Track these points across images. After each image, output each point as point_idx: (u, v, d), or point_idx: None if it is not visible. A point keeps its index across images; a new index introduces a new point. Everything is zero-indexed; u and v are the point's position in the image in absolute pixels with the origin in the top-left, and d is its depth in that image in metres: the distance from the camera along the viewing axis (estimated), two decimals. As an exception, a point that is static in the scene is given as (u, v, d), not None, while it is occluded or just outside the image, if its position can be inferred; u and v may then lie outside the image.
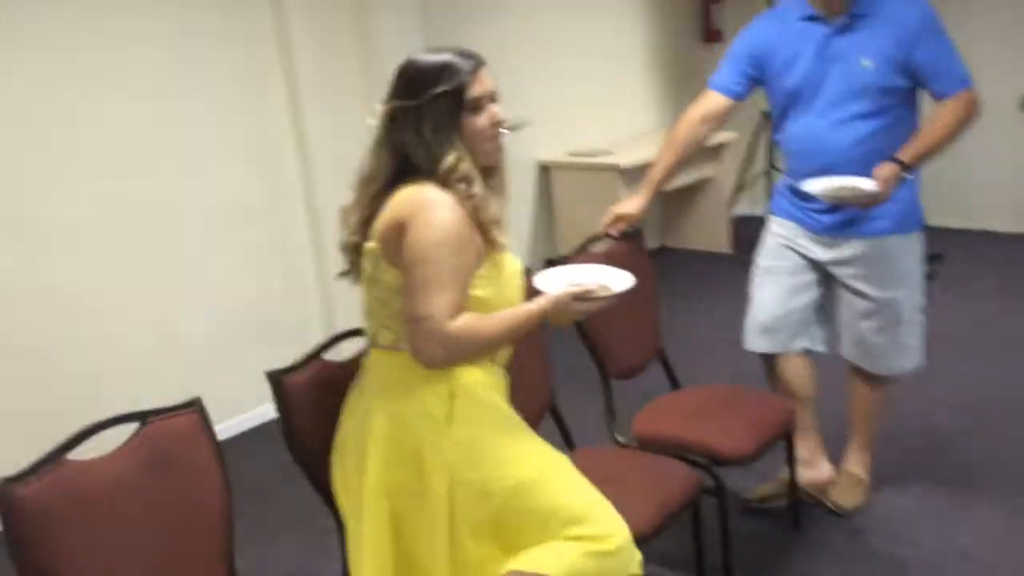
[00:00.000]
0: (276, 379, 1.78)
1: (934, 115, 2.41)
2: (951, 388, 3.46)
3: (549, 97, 4.85)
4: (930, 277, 4.70)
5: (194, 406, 1.64)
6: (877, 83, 2.39)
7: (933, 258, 5.00)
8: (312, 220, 3.76)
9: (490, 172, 1.74)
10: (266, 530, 2.87)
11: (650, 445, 2.39)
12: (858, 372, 2.69)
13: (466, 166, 1.66)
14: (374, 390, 1.74)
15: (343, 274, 1.81)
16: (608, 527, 1.72)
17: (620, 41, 5.42)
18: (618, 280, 1.81)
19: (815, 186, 2.39)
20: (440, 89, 1.64)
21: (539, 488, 1.70)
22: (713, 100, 2.59)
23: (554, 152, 4.96)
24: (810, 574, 2.43)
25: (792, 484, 2.63)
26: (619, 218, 2.53)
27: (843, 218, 2.50)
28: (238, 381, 3.32)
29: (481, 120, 1.68)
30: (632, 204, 2.55)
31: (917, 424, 3.21)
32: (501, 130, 1.72)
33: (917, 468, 2.92)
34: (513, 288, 1.77)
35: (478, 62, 1.69)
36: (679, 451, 2.31)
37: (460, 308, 1.63)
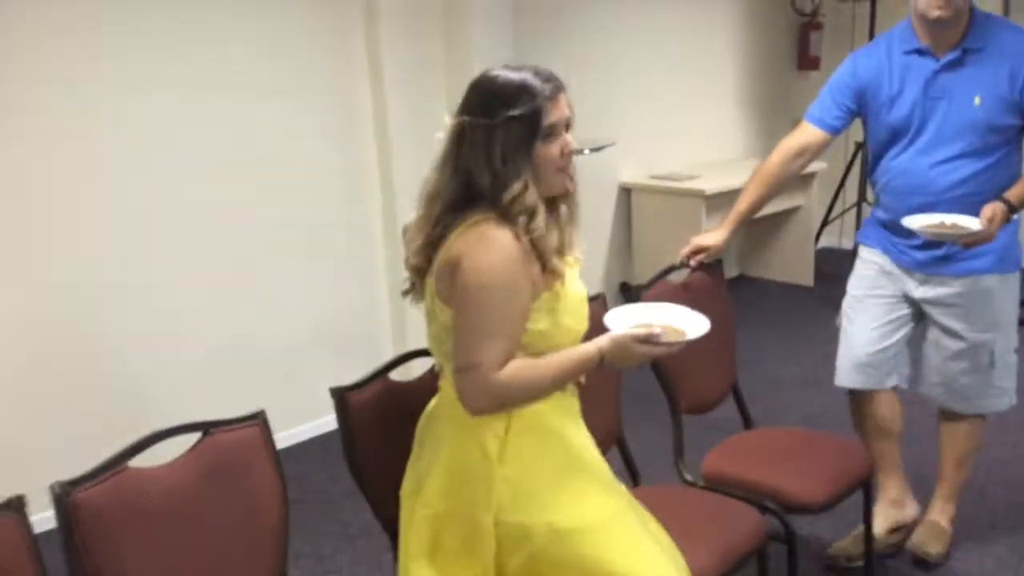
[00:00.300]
0: (340, 395, 1.76)
1: None
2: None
3: (635, 118, 4.80)
4: (1025, 322, 4.51)
5: (257, 418, 1.64)
6: (986, 121, 2.28)
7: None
8: (388, 236, 3.77)
9: (561, 199, 1.67)
10: (322, 542, 2.87)
11: (719, 485, 2.31)
12: (947, 413, 2.57)
13: (532, 198, 1.58)
14: (444, 419, 1.71)
15: (406, 292, 1.76)
16: None
17: (712, 64, 5.32)
18: (691, 325, 1.71)
19: (917, 222, 2.29)
20: (516, 111, 1.55)
21: (585, 538, 1.62)
22: (810, 133, 2.50)
23: (637, 174, 4.89)
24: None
25: (869, 539, 2.50)
26: (699, 249, 2.46)
27: (939, 255, 2.40)
28: (307, 389, 3.34)
29: (554, 148, 1.60)
30: (714, 236, 2.48)
31: (1003, 477, 3.03)
32: (572, 159, 1.64)
33: (1002, 525, 2.76)
34: (574, 316, 1.67)
35: (557, 86, 1.60)
36: (749, 494, 2.22)
37: (510, 356, 1.57)
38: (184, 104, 3.16)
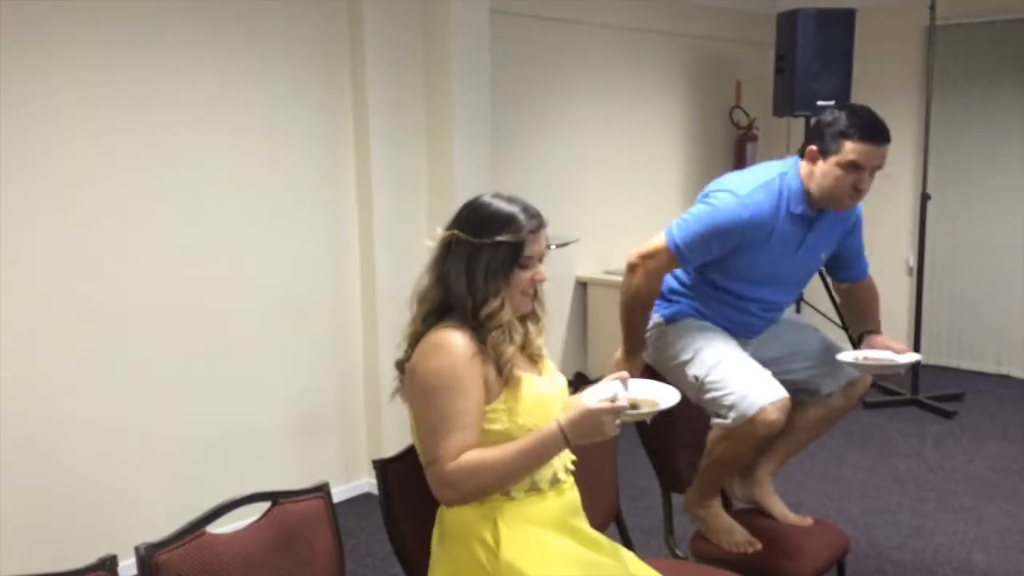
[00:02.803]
0: (382, 466, 1.87)
1: (866, 291, 2.83)
2: (981, 527, 3.54)
3: (591, 217, 5.10)
4: (949, 415, 4.88)
5: (321, 490, 1.74)
6: (819, 268, 2.69)
7: (955, 397, 5.18)
8: (367, 323, 3.90)
9: (529, 316, 1.87)
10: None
11: (707, 561, 2.47)
12: None
13: (507, 315, 1.77)
14: (441, 526, 1.82)
15: (396, 392, 1.87)
16: None
17: (660, 169, 5.69)
18: (662, 395, 1.84)
19: (848, 357, 2.54)
20: (502, 238, 1.75)
21: None
22: (672, 263, 2.50)
23: (592, 269, 5.16)
24: None
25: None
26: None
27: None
28: (276, 471, 3.39)
29: (526, 275, 1.79)
30: (634, 365, 2.59)
31: (951, 560, 3.27)
32: (540, 285, 1.83)
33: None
34: (533, 417, 1.74)
35: (540, 223, 1.80)
36: (737, 569, 2.38)
37: (467, 448, 1.68)
38: (160, 175, 3.21)
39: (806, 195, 2.45)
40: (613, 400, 1.66)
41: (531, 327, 1.87)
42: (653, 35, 5.40)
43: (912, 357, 2.52)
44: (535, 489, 1.79)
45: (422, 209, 3.91)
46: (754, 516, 2.65)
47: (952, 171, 5.64)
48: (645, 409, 1.80)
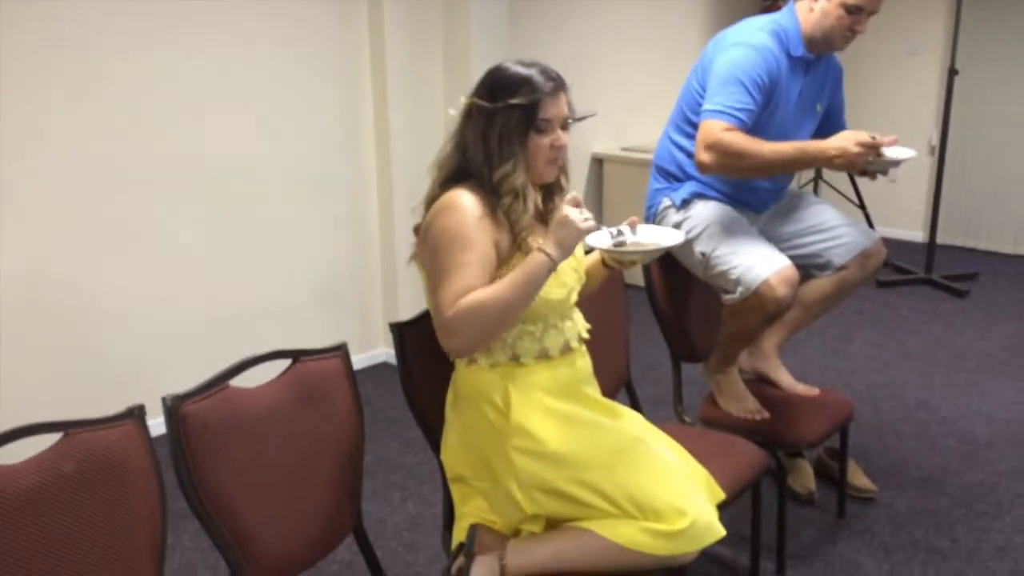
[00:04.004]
0: (399, 330, 1.92)
1: None
2: (985, 401, 3.61)
3: (608, 92, 5.01)
4: (961, 294, 4.90)
5: (340, 350, 1.79)
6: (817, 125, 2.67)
7: (968, 276, 5.18)
8: (383, 195, 3.91)
9: (556, 190, 1.85)
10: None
11: (714, 427, 2.54)
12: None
13: (519, 179, 1.74)
14: (454, 390, 1.88)
15: (412, 257, 1.86)
16: (678, 508, 1.72)
17: (679, 40, 5.55)
18: (665, 237, 1.82)
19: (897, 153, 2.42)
20: (516, 100, 1.72)
21: (607, 474, 1.74)
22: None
23: (608, 146, 5.11)
24: (856, 558, 2.58)
25: (843, 474, 2.78)
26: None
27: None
28: (296, 341, 3.45)
29: (545, 140, 1.75)
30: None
31: (953, 432, 3.35)
32: (566, 154, 1.80)
33: (955, 471, 3.07)
34: (547, 284, 1.71)
35: (559, 85, 1.76)
36: (742, 434, 2.45)
37: (466, 294, 1.67)
38: (179, 61, 3.21)
39: (803, 38, 2.49)
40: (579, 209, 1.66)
41: (556, 199, 1.86)
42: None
43: (906, 153, 2.45)
44: (545, 356, 1.82)
45: (437, 80, 3.85)
46: (764, 387, 2.71)
47: (982, 46, 5.47)
48: (645, 249, 1.78)
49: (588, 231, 1.68)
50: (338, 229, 3.85)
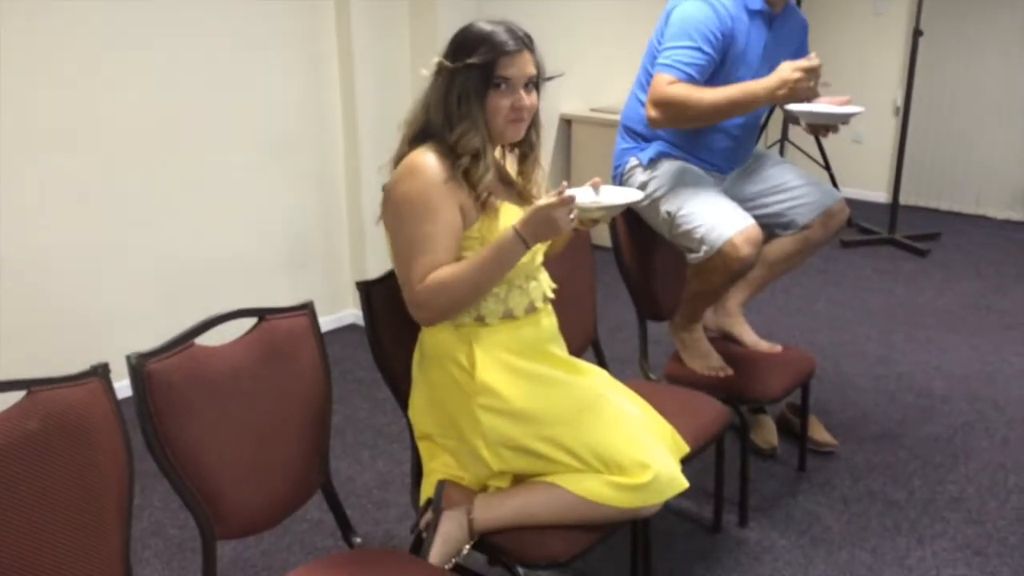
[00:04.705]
0: (366, 289, 1.92)
1: None
2: (944, 357, 3.70)
3: (576, 53, 4.98)
4: (923, 253, 4.98)
5: (306, 308, 1.79)
6: None
7: (930, 236, 5.27)
8: (349, 153, 3.88)
9: (524, 148, 1.84)
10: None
11: (679, 384, 2.58)
12: None
13: (476, 141, 1.72)
14: (420, 349, 1.88)
15: (380, 217, 1.84)
16: (641, 462, 1.74)
17: (648, 1, 5.52)
18: (625, 196, 1.80)
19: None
20: (474, 59, 1.70)
21: (569, 427, 1.77)
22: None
23: (577, 107, 5.10)
24: (817, 510, 2.65)
25: (804, 429, 2.84)
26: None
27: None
28: (262, 301, 3.45)
29: (504, 100, 1.72)
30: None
31: (913, 386, 3.43)
32: (534, 114, 1.78)
33: (913, 425, 3.15)
34: None
35: (522, 44, 1.72)
36: (706, 391, 2.49)
37: (435, 268, 1.68)
38: (135, 14, 3.14)
39: None
40: (560, 193, 1.62)
41: (529, 162, 1.85)
42: None
43: (854, 109, 2.48)
44: (510, 316, 1.83)
45: (403, 36, 3.81)
46: (728, 344, 2.76)
47: (947, 7, 5.50)
48: (603, 204, 1.75)
49: (565, 230, 1.66)
50: (304, 188, 3.82)
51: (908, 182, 5.47)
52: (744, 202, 2.62)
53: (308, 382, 1.78)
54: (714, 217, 2.43)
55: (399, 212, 1.72)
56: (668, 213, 2.52)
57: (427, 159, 1.72)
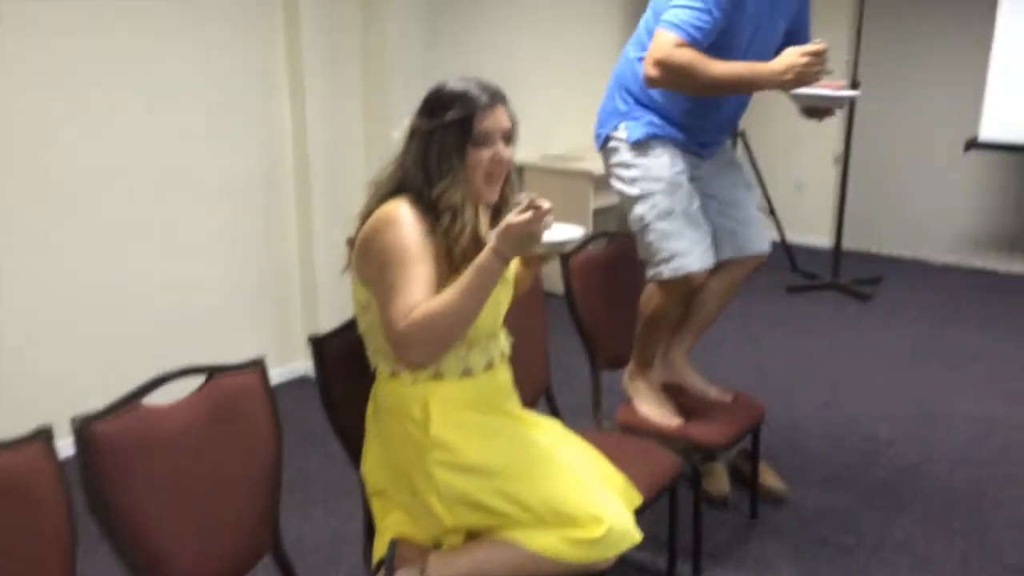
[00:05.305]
0: (318, 343, 1.91)
1: None
2: (889, 401, 3.77)
3: (530, 100, 5.04)
4: (866, 298, 5.10)
5: (257, 365, 1.77)
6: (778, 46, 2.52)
7: (873, 281, 5.40)
8: (301, 204, 3.87)
9: (503, 209, 1.81)
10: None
11: (631, 432, 2.60)
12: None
13: (457, 197, 1.72)
14: (374, 405, 1.88)
15: (346, 267, 1.85)
16: (595, 515, 1.74)
17: (600, 47, 5.64)
18: (564, 233, 1.77)
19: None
20: (451, 115, 1.72)
21: (523, 481, 1.76)
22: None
23: (530, 154, 5.15)
24: (769, 557, 2.67)
25: (755, 475, 2.87)
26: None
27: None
28: (210, 354, 3.40)
29: (484, 154, 1.73)
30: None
31: (858, 431, 3.50)
32: (508, 171, 1.79)
33: (860, 469, 3.20)
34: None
35: (496, 98, 1.76)
36: (658, 439, 2.51)
37: (416, 306, 1.64)
38: (100, 61, 3.14)
39: None
40: (530, 205, 1.60)
41: (494, 220, 1.83)
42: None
43: (851, 92, 2.50)
44: (468, 374, 1.84)
45: (356, 96, 3.84)
46: (680, 393, 2.78)
47: (884, 62, 5.71)
48: (561, 237, 1.73)
49: (540, 243, 1.63)
50: (255, 241, 3.79)
51: (850, 228, 5.62)
52: (714, 200, 2.68)
53: (258, 441, 1.76)
54: (684, 245, 2.49)
55: (382, 260, 1.69)
56: (642, 217, 2.56)
57: (405, 211, 1.73)
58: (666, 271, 2.51)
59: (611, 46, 5.69)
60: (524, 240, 1.60)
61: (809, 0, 2.68)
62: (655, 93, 2.54)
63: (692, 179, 2.64)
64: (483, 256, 1.62)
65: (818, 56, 2.26)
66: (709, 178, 2.73)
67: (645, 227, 2.56)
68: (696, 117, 2.58)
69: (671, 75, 2.35)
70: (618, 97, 2.65)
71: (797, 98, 2.49)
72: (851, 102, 2.49)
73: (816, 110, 2.58)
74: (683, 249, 2.50)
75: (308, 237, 3.88)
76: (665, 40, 2.33)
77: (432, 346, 1.65)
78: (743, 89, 2.43)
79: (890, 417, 3.62)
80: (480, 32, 4.76)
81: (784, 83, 2.31)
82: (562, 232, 1.80)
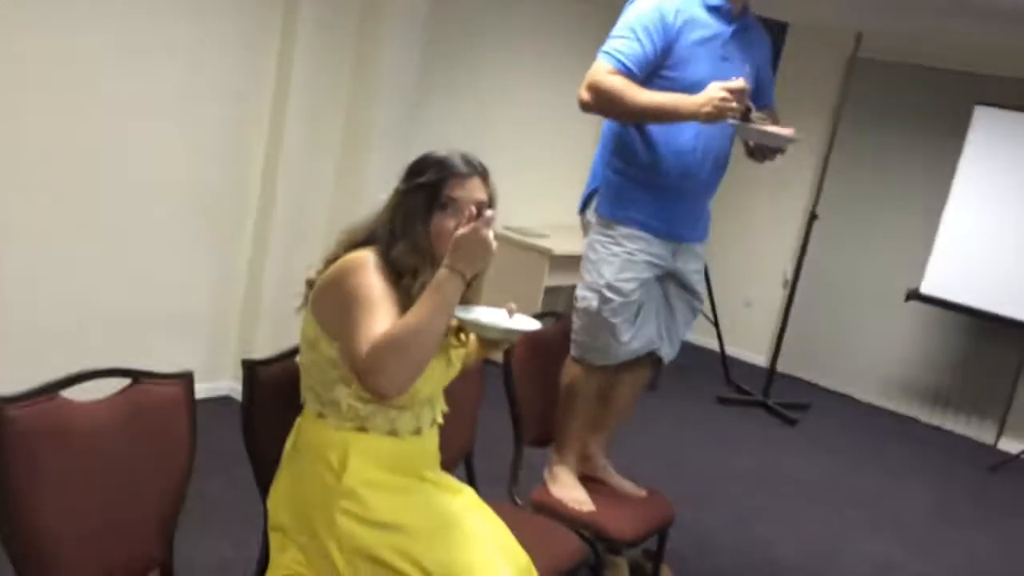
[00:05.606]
0: (250, 367, 1.90)
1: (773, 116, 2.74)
2: (798, 527, 3.83)
3: (501, 171, 5.11)
4: (792, 422, 5.21)
5: (185, 377, 1.75)
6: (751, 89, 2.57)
7: (801, 406, 5.52)
8: (259, 227, 3.87)
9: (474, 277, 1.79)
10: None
11: (542, 513, 2.60)
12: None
13: (413, 260, 1.74)
14: (291, 444, 1.86)
15: (301, 306, 1.86)
16: None
17: (571, 123, 5.77)
18: (523, 324, 1.84)
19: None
20: (423, 179, 1.76)
21: (425, 543, 1.75)
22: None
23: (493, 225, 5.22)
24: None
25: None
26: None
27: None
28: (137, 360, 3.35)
29: (449, 222, 1.74)
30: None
31: (764, 552, 3.54)
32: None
33: None
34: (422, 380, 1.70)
35: (474, 170, 1.79)
36: (567, 524, 2.52)
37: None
38: (69, 66, 3.12)
39: None
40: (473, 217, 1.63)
41: (465, 291, 1.78)
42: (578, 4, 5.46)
43: (794, 135, 2.54)
44: (393, 434, 1.83)
45: (335, 133, 3.89)
46: (598, 484, 2.80)
47: (843, 197, 5.94)
48: (519, 327, 1.79)
49: (493, 250, 1.65)
50: (204, 254, 3.77)
51: (787, 351, 5.75)
52: (683, 275, 2.76)
53: (171, 454, 1.73)
54: (604, 341, 2.62)
55: (349, 300, 1.70)
56: (584, 300, 2.66)
57: (372, 260, 1.75)
58: (580, 357, 2.67)
59: (585, 132, 5.85)
60: (475, 248, 1.62)
61: (770, 55, 2.80)
62: (639, 149, 2.60)
63: (657, 265, 2.69)
64: (440, 274, 1.64)
65: (735, 92, 2.36)
66: (683, 271, 2.76)
67: (581, 311, 2.69)
68: (661, 216, 2.64)
69: (600, 99, 2.49)
70: (604, 152, 2.73)
71: (739, 131, 2.56)
72: (791, 142, 2.56)
73: (760, 152, 2.65)
74: (601, 345, 2.64)
75: (262, 260, 3.86)
76: (598, 67, 2.49)
77: (398, 366, 1.61)
78: (666, 118, 2.49)
79: (796, 542, 3.67)
80: (461, 103, 4.88)
81: (702, 115, 2.38)
82: (521, 322, 1.85)
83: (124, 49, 3.26)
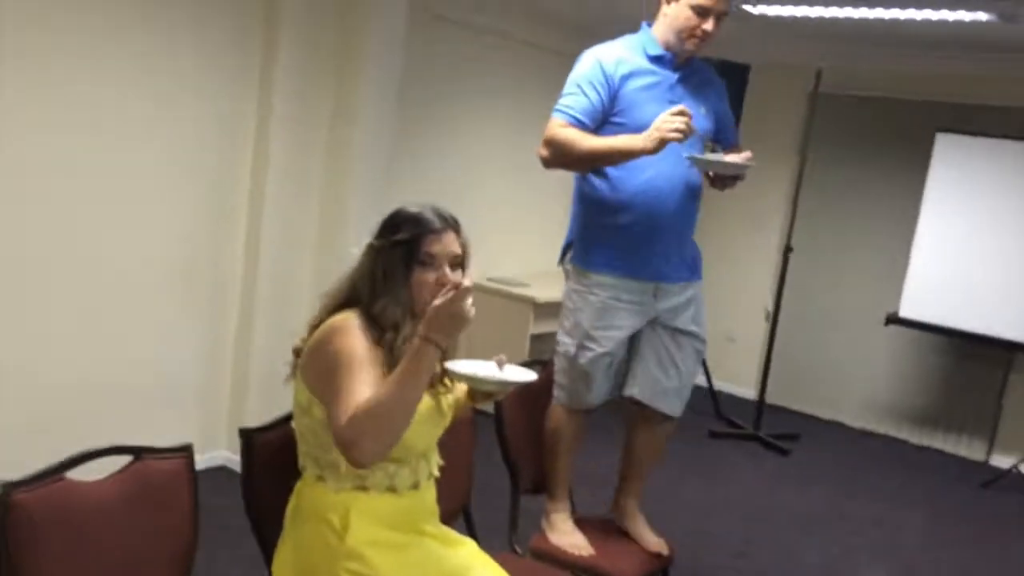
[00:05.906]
0: (247, 436, 1.94)
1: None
2: (797, 559, 3.86)
3: (477, 223, 5.21)
4: (785, 452, 5.25)
5: (185, 451, 1.79)
6: (708, 129, 2.73)
7: (792, 436, 5.57)
8: (245, 297, 3.92)
9: None
10: None
11: (543, 560, 2.63)
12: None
13: (396, 313, 1.79)
14: (291, 510, 1.89)
15: (289, 377, 1.89)
16: None
17: (546, 178, 5.88)
18: (516, 375, 1.86)
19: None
20: (399, 236, 1.81)
21: None
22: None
23: (475, 275, 5.29)
24: None
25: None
26: None
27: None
28: (130, 434, 3.36)
29: (429, 276, 1.80)
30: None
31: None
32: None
33: None
34: (418, 423, 1.73)
35: (448, 224, 1.85)
36: (567, 568, 2.55)
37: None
38: (39, 114, 3.14)
39: (658, 39, 2.68)
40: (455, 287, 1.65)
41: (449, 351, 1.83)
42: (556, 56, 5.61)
43: (748, 161, 2.63)
44: (392, 490, 1.87)
45: (314, 192, 3.96)
46: (596, 524, 2.83)
47: (816, 229, 6.06)
48: (512, 378, 1.82)
49: (469, 320, 1.66)
50: (192, 326, 3.80)
51: (774, 383, 5.82)
52: (667, 317, 2.75)
53: (175, 528, 1.76)
54: (582, 387, 2.71)
55: (331, 365, 1.73)
56: (563, 345, 2.77)
57: (354, 321, 1.80)
58: (562, 396, 2.78)
59: (566, 179, 5.96)
60: (451, 320, 1.64)
61: (726, 96, 2.89)
62: (608, 193, 2.67)
63: (635, 311, 2.72)
64: (416, 344, 1.65)
65: (679, 115, 2.45)
66: (668, 315, 2.76)
67: (566, 355, 2.78)
68: (637, 250, 2.69)
69: (555, 152, 2.63)
70: (577, 201, 2.84)
71: (695, 163, 2.65)
72: (746, 168, 2.66)
73: (720, 180, 2.74)
74: (579, 389, 2.76)
75: (248, 327, 3.90)
76: (551, 123, 2.64)
77: (376, 437, 1.63)
78: (619, 157, 2.57)
79: (794, 573, 3.69)
80: (447, 159, 5.02)
81: (650, 144, 2.46)
82: (516, 374, 1.89)
83: (99, 128, 3.32)
